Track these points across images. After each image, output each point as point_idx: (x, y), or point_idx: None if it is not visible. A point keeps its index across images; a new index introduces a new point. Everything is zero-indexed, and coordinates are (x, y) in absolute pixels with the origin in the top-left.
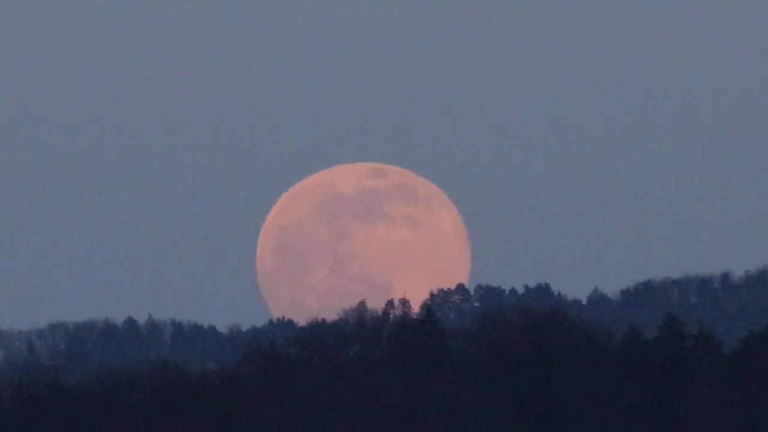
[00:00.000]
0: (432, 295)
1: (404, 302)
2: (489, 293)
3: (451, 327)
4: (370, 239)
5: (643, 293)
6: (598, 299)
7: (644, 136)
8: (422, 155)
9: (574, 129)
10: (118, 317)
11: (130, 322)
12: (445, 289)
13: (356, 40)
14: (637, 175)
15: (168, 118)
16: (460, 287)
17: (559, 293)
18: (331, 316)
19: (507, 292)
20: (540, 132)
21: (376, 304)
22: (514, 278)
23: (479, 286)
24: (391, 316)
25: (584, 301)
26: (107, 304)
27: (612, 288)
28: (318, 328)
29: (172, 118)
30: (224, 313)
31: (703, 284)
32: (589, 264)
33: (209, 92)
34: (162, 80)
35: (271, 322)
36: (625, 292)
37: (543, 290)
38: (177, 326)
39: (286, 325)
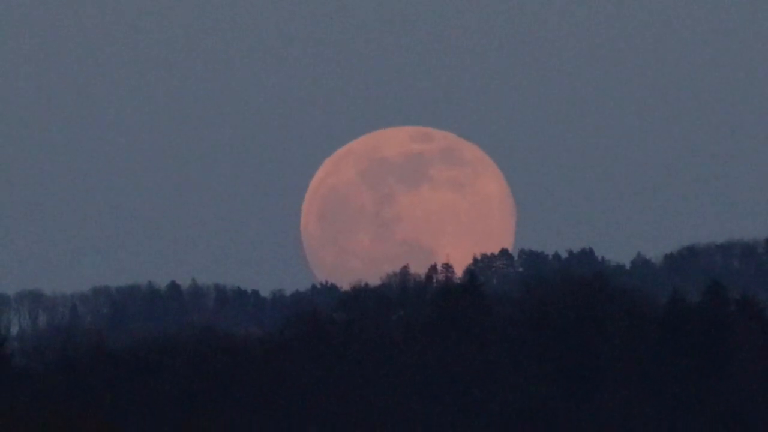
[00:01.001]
0: (475, 259)
1: (447, 267)
2: (532, 258)
3: (494, 292)
4: (414, 203)
5: (687, 258)
6: (641, 264)
7: (688, 100)
8: (468, 119)
9: (618, 95)
10: (162, 281)
11: (173, 286)
12: (489, 254)
13: (403, 2)
14: (682, 140)
15: (213, 83)
16: (504, 252)
17: (602, 258)
18: (375, 281)
19: (550, 257)
20: (587, 97)
21: (419, 269)
22: (558, 243)
23: (522, 251)
24: (434, 281)
25: (627, 266)
26: (150, 269)
27: (655, 253)
28: (361, 292)
29: (218, 84)
30: (268, 278)
31: (746, 249)
32: (633, 229)
33: (255, 57)
34: (211, 50)
35: (314, 286)
36: (669, 257)
37: (586, 255)
38: (220, 290)
39: (329, 289)
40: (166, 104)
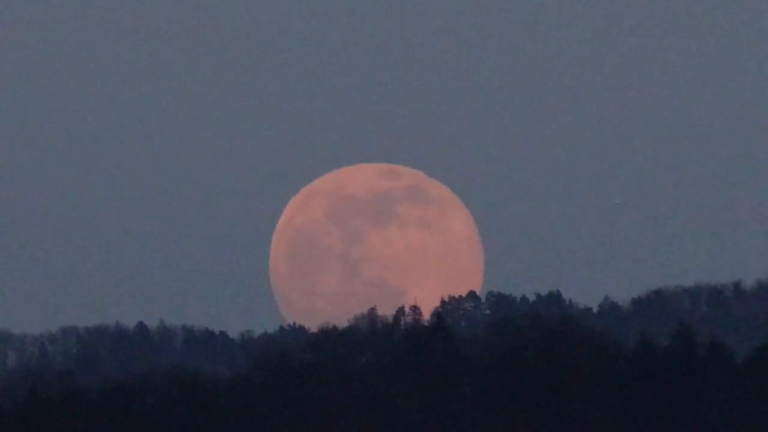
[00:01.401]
0: (443, 302)
1: (415, 309)
2: (500, 300)
3: (462, 334)
4: (382, 242)
5: (655, 302)
6: (609, 308)
7: (657, 146)
8: (435, 156)
9: (589, 137)
10: (130, 322)
11: (142, 327)
12: (456, 296)
13: (368, 39)
14: (649, 184)
15: (177, 123)
16: (471, 294)
17: (570, 301)
18: (343, 322)
19: (518, 299)
20: (555, 139)
21: (387, 310)
22: (526, 285)
23: (491, 293)
24: (402, 323)
25: (595, 310)
26: (119, 309)
27: (623, 296)
28: (329, 334)
29: (181, 124)
30: (236, 318)
31: (714, 293)
32: (601, 272)
33: (217, 95)
34: (170, 85)
35: (282, 328)
36: (636, 301)
37: (554, 298)
38: (188, 331)
39: (297, 331)
40: (132, 144)
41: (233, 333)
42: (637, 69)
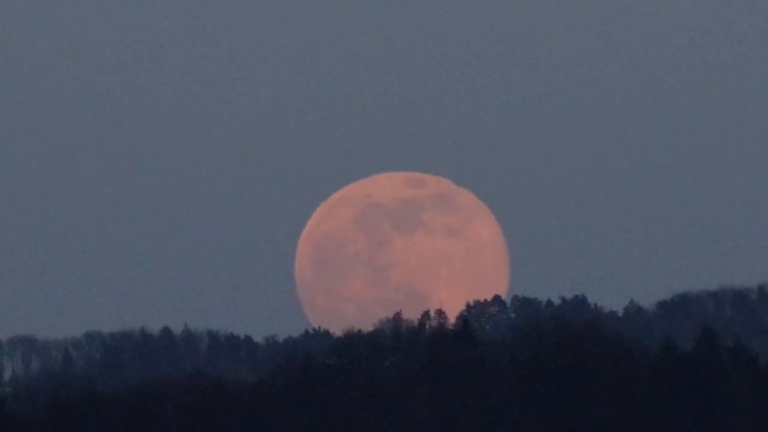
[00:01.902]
0: (468, 306)
1: (440, 313)
2: (525, 305)
3: (487, 338)
4: (408, 249)
5: (679, 305)
6: (634, 311)
7: (683, 149)
8: (461, 164)
9: (615, 142)
10: (154, 327)
11: (166, 332)
12: (482, 300)
13: (399, 48)
14: (674, 188)
15: (206, 129)
16: (497, 298)
17: (595, 305)
18: (368, 327)
19: (544, 303)
20: (581, 145)
21: (413, 315)
22: (551, 289)
23: (516, 298)
24: (427, 327)
25: (620, 313)
26: (143, 314)
27: (648, 300)
28: (354, 338)
29: (211, 130)
30: (261, 323)
31: (739, 296)
32: (626, 276)
33: (248, 103)
34: (201, 93)
35: (307, 332)
36: (661, 305)
37: (579, 302)
38: (213, 336)
39: (322, 335)
40: (160, 147)
41: (258, 338)
42: (664, 78)
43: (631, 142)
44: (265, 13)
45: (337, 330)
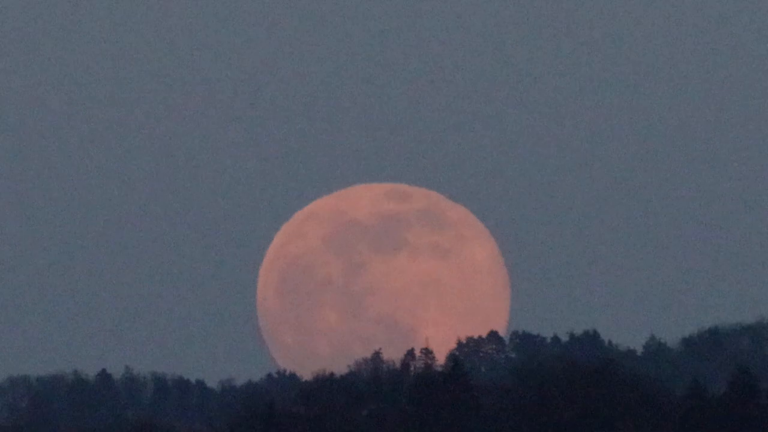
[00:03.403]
0: (460, 343)
1: (427, 352)
2: (527, 342)
3: (482, 382)
4: (389, 274)
5: (709, 342)
6: (655, 349)
7: (717, 161)
8: (453, 175)
9: (638, 153)
10: (90, 370)
11: (104, 375)
12: (476, 336)
13: (374, 39)
14: (702, 208)
15: (154, 136)
16: (493, 334)
17: (609, 342)
18: (342, 368)
19: (548, 340)
20: (595, 154)
21: (394, 353)
22: (557, 323)
23: (515, 333)
24: (412, 368)
25: (639, 352)
26: (77, 355)
27: (672, 336)
28: (326, 383)
29: (159, 137)
30: (216, 365)
31: None
32: (645, 308)
33: (202, 100)
34: (153, 103)
35: (270, 375)
36: (688, 341)
37: (591, 338)
38: (159, 381)
39: (288, 379)
40: (101, 166)
41: (212, 382)
42: (681, 92)
43: (656, 152)
44: (229, 15)
45: (306, 373)
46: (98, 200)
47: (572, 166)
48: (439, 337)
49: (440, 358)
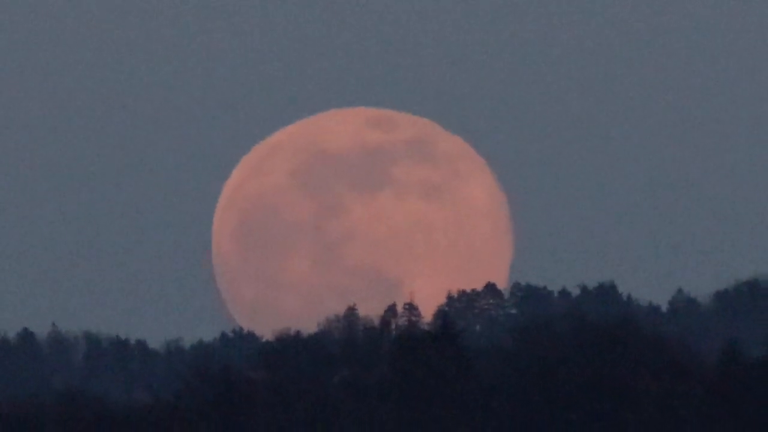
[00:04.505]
0: (450, 297)
1: (411, 308)
2: (531, 296)
3: (477, 343)
4: (370, 216)
5: (745, 297)
6: (683, 305)
7: (748, 90)
8: (448, 100)
9: (665, 78)
10: (10, 329)
11: (26, 335)
12: (470, 290)
13: None
14: (735, 144)
15: (91, 57)
16: (491, 287)
17: (628, 297)
18: (312, 326)
19: (556, 294)
20: (614, 77)
21: (374, 309)
22: (567, 275)
23: (517, 286)
24: (393, 327)
25: (664, 308)
26: None
27: (703, 290)
28: (290, 344)
29: (103, 57)
30: (161, 323)
31: None
32: (672, 256)
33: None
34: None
35: (224, 335)
36: (721, 296)
37: (606, 292)
38: (92, 341)
39: (246, 339)
40: (29, 100)
41: (155, 343)
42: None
43: (688, 75)
44: None
45: (267, 332)
46: (20, 136)
47: (588, 85)
48: (427, 291)
49: (427, 314)
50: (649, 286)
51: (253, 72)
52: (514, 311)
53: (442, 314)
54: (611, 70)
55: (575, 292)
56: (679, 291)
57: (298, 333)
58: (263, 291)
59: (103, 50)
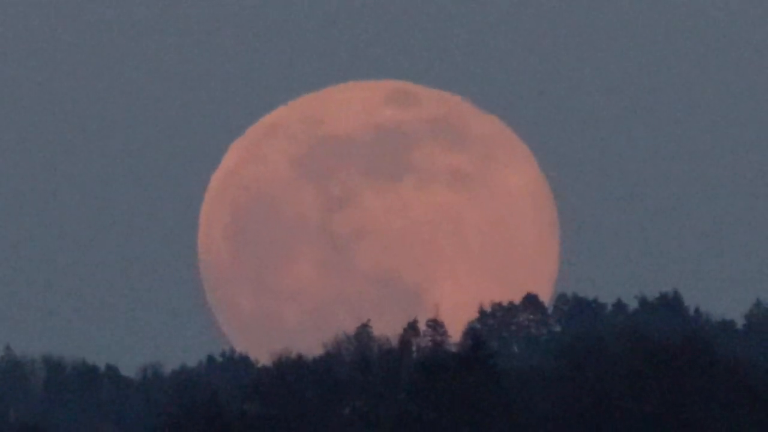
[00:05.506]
0: (483, 312)
1: (435, 325)
2: (579, 310)
3: (514, 367)
4: (387, 211)
5: None
6: (761, 320)
7: None
8: (482, 73)
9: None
10: None
11: None
12: (506, 302)
13: None
14: None
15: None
16: (532, 299)
17: (696, 310)
18: (315, 348)
19: (610, 307)
20: (676, 50)
21: (391, 325)
22: (622, 285)
23: (563, 298)
24: (414, 348)
25: (739, 324)
26: None
27: None
28: (292, 369)
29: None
30: (135, 345)
31: None
32: (747, 265)
33: None
34: None
35: (211, 359)
36: None
37: (670, 305)
38: (54, 367)
39: (237, 363)
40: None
41: (129, 369)
42: None
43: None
44: None
45: (263, 354)
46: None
47: (638, 69)
48: (454, 302)
49: (454, 332)
50: (721, 298)
51: (247, 38)
52: (558, 328)
53: (472, 332)
54: (696, 47)
55: (632, 305)
56: (757, 303)
57: (300, 356)
58: (258, 303)
59: (79, 30)
